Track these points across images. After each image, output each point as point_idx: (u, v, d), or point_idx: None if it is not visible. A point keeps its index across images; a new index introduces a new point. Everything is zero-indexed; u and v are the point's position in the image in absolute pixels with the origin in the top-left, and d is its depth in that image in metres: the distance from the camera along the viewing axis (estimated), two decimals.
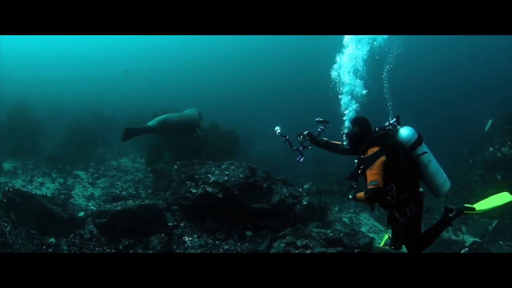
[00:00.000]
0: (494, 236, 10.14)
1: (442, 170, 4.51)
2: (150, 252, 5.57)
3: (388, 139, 4.28)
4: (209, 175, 6.94)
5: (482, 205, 5.16)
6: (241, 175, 6.93)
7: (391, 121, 4.48)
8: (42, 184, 11.44)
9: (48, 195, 10.23)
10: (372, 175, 4.03)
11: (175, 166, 7.92)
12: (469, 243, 9.34)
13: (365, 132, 4.46)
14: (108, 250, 6.13)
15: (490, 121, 15.20)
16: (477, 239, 10.59)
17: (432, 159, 4.42)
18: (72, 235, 6.41)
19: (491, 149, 13.58)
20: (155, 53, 54.60)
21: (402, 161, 4.23)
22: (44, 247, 5.91)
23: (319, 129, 5.06)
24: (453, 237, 10.99)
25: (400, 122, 4.44)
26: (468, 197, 12.46)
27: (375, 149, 4.13)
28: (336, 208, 12.68)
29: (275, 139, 5.34)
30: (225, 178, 6.84)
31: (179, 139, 11.11)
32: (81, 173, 13.16)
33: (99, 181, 12.71)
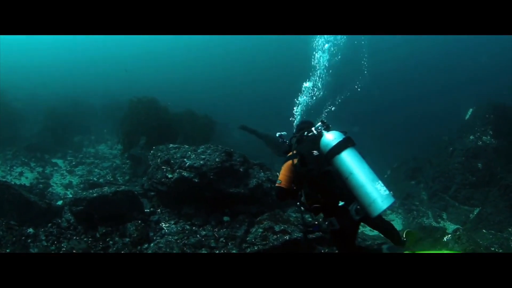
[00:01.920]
0: (476, 224, 10.11)
1: (374, 186, 3.87)
2: (148, 252, 5.36)
3: (300, 144, 4.40)
4: (185, 160, 6.75)
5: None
6: (217, 159, 6.75)
7: (318, 126, 4.42)
8: (21, 174, 11.32)
9: (27, 184, 10.09)
10: (280, 175, 4.32)
11: (151, 151, 7.70)
12: (451, 230, 9.37)
13: (293, 135, 4.66)
14: (85, 239, 5.97)
15: (470, 110, 15.32)
16: (459, 226, 10.65)
17: (355, 172, 3.92)
18: (50, 224, 6.27)
19: (471, 137, 13.67)
20: (131, 39, 54.15)
21: (312, 169, 4.16)
22: (23, 237, 5.74)
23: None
24: (434, 224, 11.02)
25: (327, 127, 4.34)
26: (449, 184, 12.54)
27: (291, 153, 4.34)
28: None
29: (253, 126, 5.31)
30: (201, 162, 6.65)
31: (153, 125, 11.01)
32: (59, 161, 13.09)
33: (77, 169, 12.61)
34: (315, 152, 4.18)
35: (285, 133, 5.14)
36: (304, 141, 4.43)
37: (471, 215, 11.21)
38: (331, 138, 4.12)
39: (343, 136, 4.13)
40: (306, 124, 4.79)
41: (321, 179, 4.14)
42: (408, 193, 13.37)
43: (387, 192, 3.83)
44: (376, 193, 3.81)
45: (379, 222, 4.40)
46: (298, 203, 4.33)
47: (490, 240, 8.96)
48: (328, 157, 4.09)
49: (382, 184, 3.86)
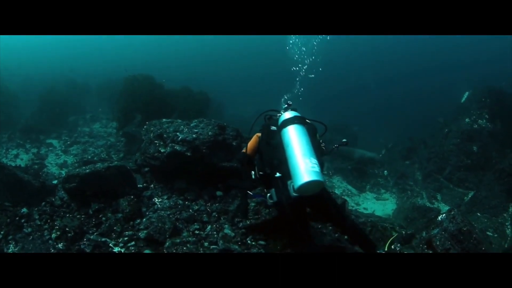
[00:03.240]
0: (471, 207, 10.23)
1: (304, 160, 4.00)
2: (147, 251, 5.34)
3: (267, 121, 4.85)
4: (178, 133, 6.69)
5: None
6: (210, 133, 6.69)
7: (283, 107, 4.90)
8: (16, 156, 11.40)
9: (23, 166, 10.12)
10: (247, 144, 4.91)
11: (145, 126, 7.65)
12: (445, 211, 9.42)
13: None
14: (78, 216, 5.93)
15: (466, 93, 15.33)
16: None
17: (291, 144, 4.20)
18: (43, 203, 6.23)
19: (467, 120, 13.70)
20: None
21: (266, 142, 4.66)
22: (17, 218, 5.74)
23: None
24: (428, 204, 11.06)
25: (292, 108, 4.82)
26: (443, 165, 12.57)
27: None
28: None
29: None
30: (194, 136, 6.60)
31: (148, 101, 10.98)
32: (54, 142, 13.14)
33: (71, 148, 12.66)
34: (273, 128, 4.56)
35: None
36: (272, 119, 4.82)
37: (465, 197, 11.33)
38: (286, 116, 4.54)
39: (300, 115, 4.50)
40: (286, 106, 5.07)
41: (267, 150, 4.54)
42: (403, 172, 13.41)
43: (316, 169, 3.94)
44: (303, 166, 3.95)
45: (324, 205, 4.62)
46: (253, 172, 4.71)
47: (485, 223, 9.03)
48: (277, 131, 4.41)
49: (315, 162, 3.99)
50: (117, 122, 11.97)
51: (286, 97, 5.45)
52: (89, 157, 11.39)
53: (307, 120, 4.68)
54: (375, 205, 11.45)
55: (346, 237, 5.81)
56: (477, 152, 12.71)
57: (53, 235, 5.39)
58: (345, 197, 11.00)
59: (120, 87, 12.42)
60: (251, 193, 4.79)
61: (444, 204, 11.36)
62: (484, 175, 11.30)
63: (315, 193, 4.10)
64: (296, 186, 3.96)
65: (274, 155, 4.40)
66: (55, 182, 7.51)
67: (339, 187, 12.16)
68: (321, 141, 5.24)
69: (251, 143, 4.95)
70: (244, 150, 4.92)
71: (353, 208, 10.17)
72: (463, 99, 15.20)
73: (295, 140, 4.20)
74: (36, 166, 10.35)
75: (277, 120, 4.68)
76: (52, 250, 5.22)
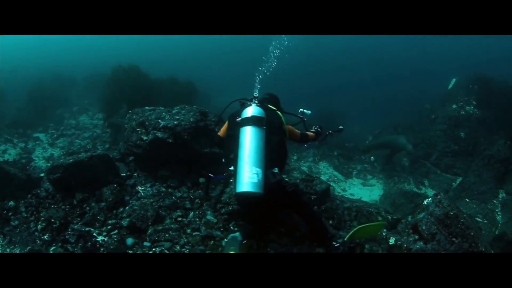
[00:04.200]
0: (459, 193, 10.25)
1: (249, 168, 4.13)
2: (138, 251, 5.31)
3: (239, 108, 4.86)
4: (159, 120, 6.63)
5: (358, 233, 5.05)
6: (191, 119, 6.63)
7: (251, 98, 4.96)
8: (4, 151, 11.30)
9: (11, 160, 10.22)
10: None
11: (127, 115, 7.58)
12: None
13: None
14: (63, 207, 5.94)
15: (453, 80, 15.35)
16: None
17: (243, 147, 4.31)
18: (29, 195, 6.24)
19: (454, 106, 13.75)
20: None
21: (229, 131, 4.90)
22: (4, 211, 5.82)
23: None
24: (415, 190, 11.07)
25: (259, 100, 4.90)
26: (430, 151, 12.61)
27: None
28: (295, 157, 12.77)
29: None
30: (175, 122, 6.53)
31: (134, 91, 10.93)
32: (41, 135, 13.06)
33: (58, 141, 12.64)
34: (238, 119, 4.60)
35: (309, 111, 5.45)
36: (243, 106, 4.79)
37: (453, 183, 11.34)
38: (248, 111, 4.55)
39: (257, 115, 4.48)
40: (265, 96, 5.31)
41: (228, 140, 4.73)
42: (389, 158, 13.42)
43: (255, 180, 4.04)
44: (243, 175, 4.10)
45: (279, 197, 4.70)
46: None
47: (474, 209, 9.05)
48: (238, 125, 4.48)
49: (256, 172, 4.09)
50: (103, 113, 11.94)
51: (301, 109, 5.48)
52: (75, 149, 11.37)
53: (272, 113, 4.84)
54: (362, 191, 11.43)
55: (331, 222, 5.84)
56: (464, 138, 12.75)
57: (39, 227, 5.47)
58: (332, 183, 11.02)
59: (107, 77, 12.39)
60: (211, 175, 4.83)
61: (431, 190, 11.35)
62: (472, 161, 11.32)
63: (255, 198, 4.21)
64: (236, 190, 4.18)
65: (232, 148, 4.51)
66: (42, 175, 7.54)
67: (325, 173, 12.15)
68: (315, 126, 5.54)
69: (224, 127, 5.15)
70: (217, 132, 5.23)
71: (340, 194, 10.16)
72: (450, 86, 15.25)
73: (246, 144, 4.29)
74: (23, 161, 10.37)
75: (239, 112, 4.74)
76: (38, 242, 5.27)
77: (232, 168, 4.45)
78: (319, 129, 5.52)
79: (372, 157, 13.91)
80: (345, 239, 4.76)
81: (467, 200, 9.72)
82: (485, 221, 8.53)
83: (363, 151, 13.86)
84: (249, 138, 4.32)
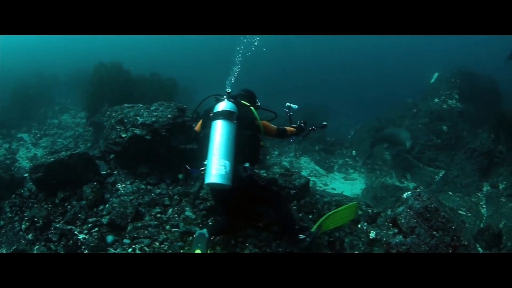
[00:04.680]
0: (442, 186, 10.34)
1: (217, 160, 4.23)
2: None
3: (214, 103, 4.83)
4: (138, 117, 6.61)
5: (330, 222, 5.06)
6: (169, 116, 6.62)
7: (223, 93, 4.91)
8: None
9: None
10: None
11: (107, 112, 7.55)
12: None
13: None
14: (45, 206, 5.96)
15: (436, 74, 15.46)
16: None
17: (214, 140, 4.37)
18: (13, 195, 6.24)
19: (436, 100, 13.86)
20: None
21: (203, 126, 4.98)
22: None
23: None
24: (397, 183, 11.14)
25: (231, 96, 4.87)
26: (412, 144, 12.67)
27: None
28: (276, 152, 12.83)
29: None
30: (153, 119, 6.52)
31: (115, 89, 10.90)
32: (25, 135, 13.17)
33: (41, 141, 12.70)
34: (211, 114, 4.62)
35: (296, 106, 5.48)
36: (218, 101, 4.79)
37: (436, 177, 11.41)
38: (220, 106, 4.60)
39: (228, 109, 4.53)
40: (240, 92, 5.31)
41: (202, 135, 4.81)
42: (371, 152, 13.50)
43: (222, 172, 4.13)
44: (212, 167, 4.19)
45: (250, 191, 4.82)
46: None
47: (457, 202, 9.09)
48: (210, 120, 4.52)
49: (224, 164, 4.18)
50: (86, 111, 11.91)
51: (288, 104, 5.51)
52: (58, 148, 11.37)
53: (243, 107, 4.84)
54: (344, 185, 11.49)
55: (310, 216, 5.87)
56: (447, 131, 12.88)
57: (23, 226, 5.52)
58: (313, 178, 11.09)
59: (90, 75, 12.35)
60: (188, 167, 4.87)
61: (414, 183, 11.39)
62: (455, 154, 11.42)
63: (225, 189, 4.30)
64: (205, 181, 4.26)
65: (204, 143, 4.53)
66: (26, 175, 7.54)
67: (307, 168, 12.21)
68: (299, 121, 5.54)
69: (199, 122, 5.20)
70: (194, 126, 5.35)
71: (321, 189, 10.21)
72: (433, 80, 15.36)
73: (216, 137, 4.35)
74: (8, 162, 10.40)
75: (212, 108, 4.76)
76: (23, 241, 5.34)
77: (205, 162, 4.44)
78: (302, 124, 5.53)
79: (354, 151, 13.99)
80: (312, 230, 4.78)
81: (450, 193, 9.79)
82: (469, 214, 8.58)
83: (371, 145, 13.76)
84: (218, 131, 4.37)
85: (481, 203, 9.13)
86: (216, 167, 4.16)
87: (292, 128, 5.45)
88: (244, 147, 4.55)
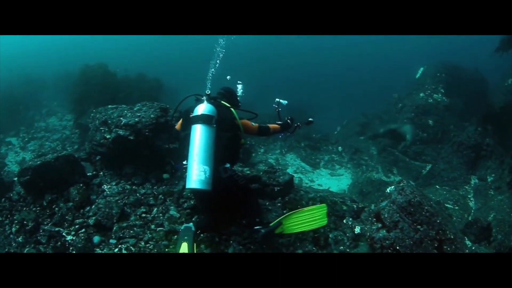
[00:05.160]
0: (429, 180, 10.41)
1: (197, 165, 4.30)
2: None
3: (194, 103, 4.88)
4: (121, 118, 6.65)
5: (295, 223, 5.05)
6: (152, 116, 6.68)
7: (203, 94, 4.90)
8: None
9: None
10: None
11: (91, 114, 7.57)
12: None
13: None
14: (34, 209, 6.01)
15: (421, 69, 15.56)
16: (411, 182, 10.81)
17: (193, 145, 4.41)
18: (3, 199, 6.28)
19: (421, 94, 13.94)
20: None
21: (182, 125, 5.07)
22: None
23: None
24: (384, 178, 11.19)
25: (211, 97, 4.89)
26: (397, 137, 12.76)
27: None
28: (262, 150, 12.86)
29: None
30: (136, 119, 6.57)
31: (101, 90, 10.92)
32: (13, 140, 13.18)
33: (29, 144, 12.68)
34: (191, 114, 4.64)
35: (286, 102, 5.59)
36: (198, 102, 4.83)
37: (423, 171, 11.43)
38: (199, 109, 4.60)
39: (207, 113, 4.53)
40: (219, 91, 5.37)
41: (183, 136, 4.82)
42: (357, 148, 13.54)
43: (202, 177, 4.23)
44: (192, 172, 4.27)
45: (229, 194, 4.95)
46: None
47: (444, 196, 9.11)
48: (190, 122, 4.55)
49: (207, 170, 4.28)
50: (73, 114, 11.93)
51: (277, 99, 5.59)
52: (46, 152, 11.36)
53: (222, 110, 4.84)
54: (330, 181, 11.54)
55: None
56: (433, 125, 12.95)
57: (13, 229, 5.57)
58: (299, 174, 11.13)
59: (75, 77, 12.38)
60: (173, 163, 4.92)
61: (400, 178, 11.31)
62: (442, 148, 11.45)
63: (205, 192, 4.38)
64: (186, 186, 4.37)
65: (185, 143, 4.59)
66: (15, 179, 7.59)
67: (293, 164, 12.25)
68: (286, 118, 5.59)
69: (180, 121, 5.26)
70: (175, 125, 5.39)
71: (307, 185, 10.26)
72: (418, 75, 15.45)
73: (196, 143, 4.40)
74: None
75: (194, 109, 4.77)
76: (14, 244, 5.39)
77: (185, 162, 4.54)
78: (289, 120, 5.57)
79: (340, 147, 14.05)
80: (271, 225, 4.86)
81: (437, 186, 9.84)
82: (457, 208, 8.57)
83: (371, 137, 13.75)
84: (198, 136, 4.41)
85: (469, 196, 9.15)
86: (196, 173, 4.24)
87: (276, 125, 5.48)
88: (224, 149, 4.63)
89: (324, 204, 5.33)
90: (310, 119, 5.78)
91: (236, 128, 4.91)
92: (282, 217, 5.02)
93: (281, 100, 5.54)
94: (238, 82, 5.60)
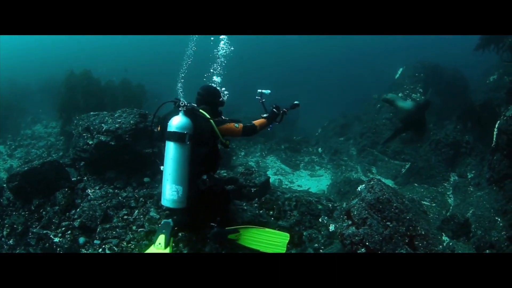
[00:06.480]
0: (408, 178, 10.54)
1: (170, 184, 4.38)
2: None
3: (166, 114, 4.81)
4: (103, 125, 6.93)
5: (253, 238, 5.14)
6: (131, 121, 6.97)
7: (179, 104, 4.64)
8: None
9: None
10: None
11: (75, 121, 7.80)
12: None
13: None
14: (23, 213, 6.28)
15: (400, 69, 15.68)
16: (390, 180, 11.08)
17: (167, 164, 4.43)
18: None
19: (400, 94, 13.95)
20: None
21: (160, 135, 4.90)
22: None
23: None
24: (363, 178, 11.29)
25: (187, 108, 4.55)
26: (377, 139, 12.91)
27: None
28: (243, 153, 12.96)
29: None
30: (117, 125, 6.85)
31: (86, 98, 11.10)
32: (1, 147, 13.30)
33: (16, 152, 12.76)
34: (167, 127, 4.49)
35: (268, 91, 5.46)
36: (177, 108, 4.63)
37: (402, 169, 11.54)
38: (173, 122, 4.43)
39: (180, 131, 4.38)
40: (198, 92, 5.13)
41: (160, 143, 4.87)
42: (336, 149, 13.66)
43: (174, 197, 4.38)
44: (165, 191, 4.43)
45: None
46: None
47: (421, 193, 9.16)
48: (165, 135, 4.49)
49: (180, 190, 4.39)
50: (59, 121, 12.04)
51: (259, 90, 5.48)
52: (32, 158, 11.48)
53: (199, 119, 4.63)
54: (310, 182, 11.66)
55: (271, 212, 6.15)
56: None
57: (4, 233, 5.85)
58: (279, 176, 11.29)
59: (60, 84, 12.52)
60: (158, 161, 4.96)
61: (380, 177, 11.46)
62: (421, 147, 11.52)
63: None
64: (161, 203, 4.55)
65: (160, 156, 4.66)
66: (4, 185, 7.75)
67: (273, 167, 12.33)
68: (271, 107, 5.47)
69: (159, 127, 5.07)
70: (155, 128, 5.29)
71: (287, 186, 10.41)
72: (397, 75, 15.58)
73: (169, 162, 4.41)
74: None
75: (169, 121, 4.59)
76: (6, 247, 5.68)
77: (162, 168, 4.56)
78: (274, 109, 5.40)
79: (320, 149, 14.27)
80: (227, 228, 4.99)
81: (416, 184, 9.99)
82: (433, 204, 8.61)
83: (383, 144, 13.57)
84: (171, 155, 4.38)
85: (448, 193, 9.18)
86: (169, 193, 4.36)
87: (262, 120, 5.29)
88: (201, 163, 4.64)
89: (287, 234, 5.33)
90: (295, 102, 5.69)
91: (214, 139, 4.79)
92: (242, 226, 5.16)
93: (263, 91, 5.40)
94: (224, 89, 5.51)
